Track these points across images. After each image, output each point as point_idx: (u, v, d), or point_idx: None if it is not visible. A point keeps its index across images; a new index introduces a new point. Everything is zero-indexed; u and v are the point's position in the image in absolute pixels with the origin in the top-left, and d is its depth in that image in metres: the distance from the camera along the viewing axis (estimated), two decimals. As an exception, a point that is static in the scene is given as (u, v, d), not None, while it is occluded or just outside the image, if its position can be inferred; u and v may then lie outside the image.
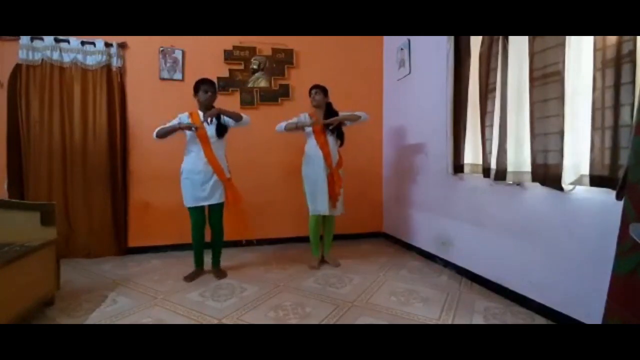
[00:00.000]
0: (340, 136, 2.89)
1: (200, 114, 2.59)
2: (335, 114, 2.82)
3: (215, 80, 2.70)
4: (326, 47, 3.78)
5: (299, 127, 2.78)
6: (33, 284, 1.94)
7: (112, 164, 3.27)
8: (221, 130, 2.58)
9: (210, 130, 2.55)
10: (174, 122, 2.55)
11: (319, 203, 2.81)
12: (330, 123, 2.75)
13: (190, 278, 2.62)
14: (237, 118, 2.58)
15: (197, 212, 2.60)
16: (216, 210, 2.64)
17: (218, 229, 2.70)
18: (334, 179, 2.83)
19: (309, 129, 2.82)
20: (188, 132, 2.55)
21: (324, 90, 2.87)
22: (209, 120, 2.48)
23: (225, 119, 2.60)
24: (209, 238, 2.72)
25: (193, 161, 2.55)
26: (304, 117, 2.86)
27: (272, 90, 3.66)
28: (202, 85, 2.56)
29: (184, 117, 2.60)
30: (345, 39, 3.81)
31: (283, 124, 2.82)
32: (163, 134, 2.47)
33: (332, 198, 2.83)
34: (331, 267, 2.92)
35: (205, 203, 2.57)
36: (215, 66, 3.51)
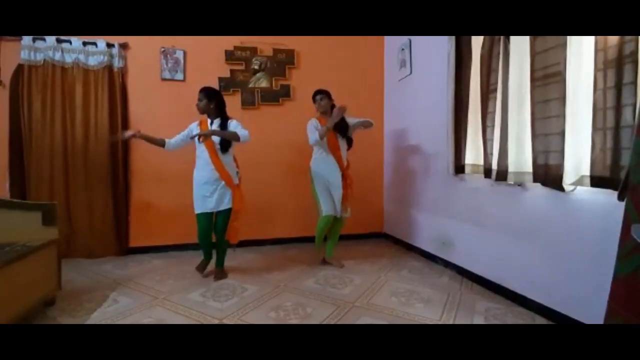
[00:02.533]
0: (349, 141, 2.94)
1: (208, 120, 2.63)
2: (342, 117, 2.81)
3: (210, 86, 2.68)
4: (327, 48, 3.79)
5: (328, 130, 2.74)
6: (34, 284, 1.95)
7: (114, 164, 3.27)
8: (224, 145, 2.56)
9: (217, 139, 2.55)
10: (185, 132, 2.66)
11: (334, 205, 2.84)
12: (350, 127, 2.83)
13: (201, 268, 2.74)
14: (234, 138, 2.52)
15: (204, 218, 2.59)
16: (223, 216, 2.62)
17: (223, 234, 2.66)
18: (347, 182, 2.89)
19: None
20: (196, 142, 2.59)
21: (328, 95, 2.88)
22: (199, 139, 2.51)
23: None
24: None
25: (202, 169, 2.58)
26: (316, 123, 2.84)
27: (273, 91, 3.67)
28: (199, 95, 2.58)
29: (193, 127, 2.66)
30: (346, 39, 3.81)
31: (315, 137, 2.72)
32: (172, 148, 2.66)
33: (345, 200, 2.88)
34: (332, 268, 2.92)
35: (216, 209, 2.58)
36: (217, 66, 3.52)
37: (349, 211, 2.97)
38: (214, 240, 2.70)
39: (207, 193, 2.56)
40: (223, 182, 2.57)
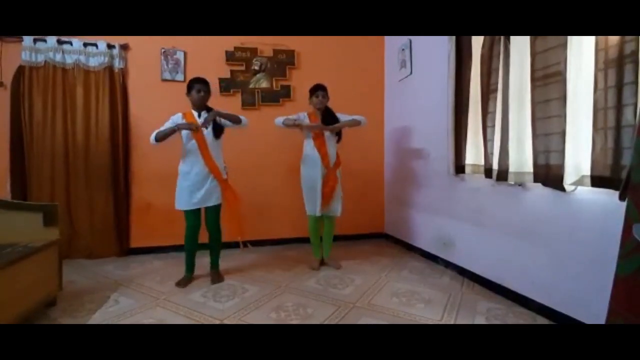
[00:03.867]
0: (337, 134, 2.88)
1: (195, 113, 2.54)
2: (333, 114, 2.83)
3: (208, 80, 2.60)
4: (327, 48, 3.79)
5: (296, 125, 2.77)
6: (35, 285, 1.95)
7: (115, 165, 3.28)
8: (217, 130, 2.53)
9: (207, 130, 2.49)
10: (168, 124, 2.51)
11: (312, 203, 2.82)
12: (332, 130, 2.77)
13: (182, 285, 2.55)
14: (235, 120, 2.54)
15: (192, 215, 2.53)
16: (212, 212, 2.58)
17: (215, 231, 2.63)
18: (328, 180, 2.80)
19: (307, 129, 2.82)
20: (184, 134, 2.51)
21: (327, 92, 2.85)
22: (207, 126, 2.44)
23: (222, 119, 2.56)
24: (204, 239, 2.64)
25: (191, 163, 2.51)
26: (304, 116, 2.86)
27: (273, 91, 3.67)
28: (196, 85, 2.50)
29: (177, 119, 2.54)
30: (347, 39, 3.81)
31: (282, 119, 2.80)
32: (162, 137, 2.42)
33: (325, 198, 2.80)
34: (333, 268, 2.92)
35: (202, 205, 2.53)
36: (217, 67, 3.52)
37: (333, 209, 2.86)
38: (205, 242, 2.64)
39: (194, 188, 2.48)
40: (211, 177, 2.52)
